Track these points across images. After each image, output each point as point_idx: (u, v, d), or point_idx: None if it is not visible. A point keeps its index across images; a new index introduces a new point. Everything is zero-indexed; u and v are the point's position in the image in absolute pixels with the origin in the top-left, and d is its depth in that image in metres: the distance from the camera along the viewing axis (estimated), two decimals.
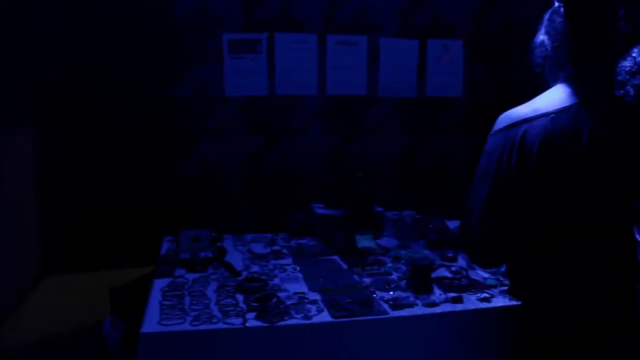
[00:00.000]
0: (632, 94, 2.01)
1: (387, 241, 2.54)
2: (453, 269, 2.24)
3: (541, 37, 1.59)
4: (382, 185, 3.13)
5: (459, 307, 1.93)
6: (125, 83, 3.08)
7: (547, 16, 1.60)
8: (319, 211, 2.62)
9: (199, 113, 3.10)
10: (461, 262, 2.33)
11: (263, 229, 2.81)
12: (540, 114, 1.49)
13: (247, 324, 1.77)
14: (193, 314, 1.82)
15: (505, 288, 2.05)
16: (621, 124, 1.52)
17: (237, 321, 1.78)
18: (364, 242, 2.45)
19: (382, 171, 3.16)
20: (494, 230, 1.58)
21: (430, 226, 2.54)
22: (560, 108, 1.49)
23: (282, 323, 1.78)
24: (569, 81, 1.53)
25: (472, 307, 1.94)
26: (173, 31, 3.03)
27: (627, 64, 2.02)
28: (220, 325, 1.76)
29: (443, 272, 2.22)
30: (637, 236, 1.58)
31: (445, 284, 2.09)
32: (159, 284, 2.11)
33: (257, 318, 1.80)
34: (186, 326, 1.75)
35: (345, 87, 3.24)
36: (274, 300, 1.89)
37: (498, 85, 3.32)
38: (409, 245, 2.50)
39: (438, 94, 3.34)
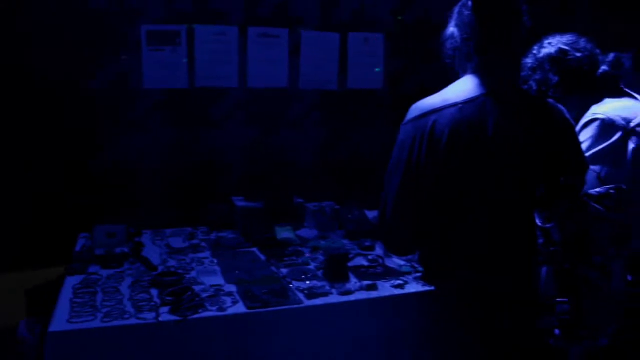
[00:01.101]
0: (534, 88, 2.12)
1: (307, 232, 2.57)
2: (370, 257, 2.29)
3: (451, 29, 1.64)
4: (304, 177, 3.15)
5: (373, 294, 1.98)
6: (37, 74, 2.95)
7: (456, 9, 1.65)
8: (239, 204, 2.62)
9: (116, 106, 3.01)
10: (378, 250, 2.38)
11: (184, 223, 2.77)
12: (449, 104, 1.53)
13: (160, 319, 1.75)
14: (105, 310, 1.78)
15: (419, 275, 2.12)
16: (524, 115, 1.59)
17: (150, 316, 1.76)
18: (284, 233, 2.47)
19: (303, 163, 3.18)
20: (406, 218, 1.63)
21: (349, 216, 2.58)
22: (468, 98, 1.54)
23: (196, 316, 1.77)
24: (477, 72, 1.59)
25: (387, 294, 1.99)
26: (89, 22, 2.93)
27: (528, 60, 2.12)
28: (133, 321, 1.73)
29: (360, 261, 2.27)
30: (538, 221, 1.67)
31: (362, 273, 2.14)
32: (72, 281, 2.05)
33: (171, 312, 1.78)
34: (97, 323, 1.71)
35: (266, 79, 3.23)
36: (188, 294, 1.87)
37: (417, 78, 3.41)
38: (328, 236, 2.54)
39: (359, 87, 3.39)
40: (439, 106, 1.55)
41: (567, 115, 1.64)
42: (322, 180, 3.19)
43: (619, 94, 2.02)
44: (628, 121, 1.88)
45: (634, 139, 1.87)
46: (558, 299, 1.56)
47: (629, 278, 1.89)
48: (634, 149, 1.86)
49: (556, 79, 2.03)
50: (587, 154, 1.88)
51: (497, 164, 1.54)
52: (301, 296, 1.92)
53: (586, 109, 2.01)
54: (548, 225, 1.57)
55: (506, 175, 1.56)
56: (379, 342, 1.97)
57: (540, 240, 1.59)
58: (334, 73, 3.38)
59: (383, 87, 3.39)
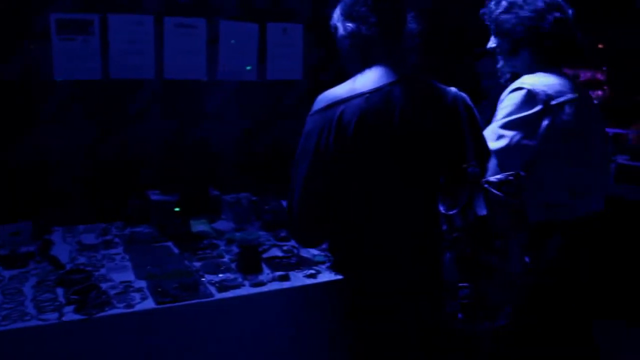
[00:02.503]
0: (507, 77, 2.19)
1: (223, 224, 2.56)
2: (285, 248, 2.30)
3: (348, 25, 1.66)
4: (223, 169, 3.12)
5: (285, 284, 1.99)
6: None
7: (347, 5, 1.68)
8: (153, 197, 2.57)
9: (26, 98, 2.88)
10: (294, 241, 2.40)
11: (99, 219, 2.70)
12: (356, 94, 1.57)
13: (64, 318, 1.70)
14: (3, 313, 1.71)
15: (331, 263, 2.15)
16: (428, 103, 1.64)
17: (53, 316, 1.70)
18: (199, 226, 2.44)
19: (222, 155, 3.15)
20: (313, 209, 1.65)
21: (266, 207, 2.58)
22: (374, 88, 1.58)
23: (102, 314, 1.73)
24: (382, 62, 1.63)
25: (299, 283, 2.01)
26: None
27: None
28: (34, 323, 1.67)
29: (275, 252, 2.28)
30: (442, 209, 1.70)
31: (275, 263, 2.15)
32: None
33: (75, 311, 1.73)
34: None
35: (184, 71, 3.17)
36: (94, 292, 1.83)
37: (336, 69, 3.43)
38: (245, 228, 2.53)
39: (278, 78, 3.38)
40: (345, 96, 1.58)
41: (470, 103, 1.70)
42: (242, 172, 3.17)
43: (554, 66, 2.08)
44: (551, 98, 1.96)
45: (550, 116, 1.95)
46: (460, 284, 1.60)
47: (527, 260, 2.01)
48: (547, 125, 1.94)
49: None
50: (506, 119, 1.96)
51: (403, 153, 1.59)
52: (212, 289, 1.91)
53: (527, 71, 2.08)
54: (451, 212, 1.60)
55: (411, 164, 1.61)
56: (293, 332, 1.99)
57: (444, 227, 1.63)
58: (254, 64, 3.36)
59: (302, 78, 3.39)
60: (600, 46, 8.97)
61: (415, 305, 1.66)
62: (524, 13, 2.03)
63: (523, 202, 1.72)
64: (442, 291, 1.65)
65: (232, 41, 3.25)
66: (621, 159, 4.23)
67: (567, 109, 1.95)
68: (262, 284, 1.97)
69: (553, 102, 1.94)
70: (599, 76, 9.03)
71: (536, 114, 1.93)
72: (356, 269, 1.70)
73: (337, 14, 1.69)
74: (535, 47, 2.04)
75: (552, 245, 2.00)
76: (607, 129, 5.09)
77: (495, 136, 1.94)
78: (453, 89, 1.70)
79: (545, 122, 1.93)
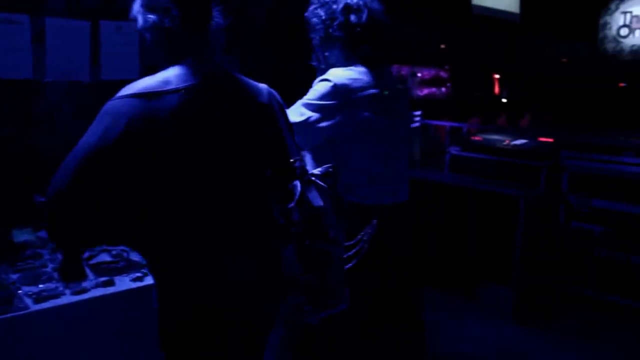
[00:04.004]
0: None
1: None
2: (114, 252, 2.24)
3: (150, 17, 1.52)
4: (52, 175, 2.95)
5: (110, 290, 1.94)
6: None
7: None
8: None
9: None
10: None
11: None
12: (170, 90, 1.43)
13: None
14: None
15: None
16: (241, 100, 1.60)
17: None
18: (22, 236, 2.30)
19: (52, 160, 2.98)
20: (86, 205, 1.39)
21: None
22: (185, 86, 1.46)
23: None
24: (189, 58, 1.53)
25: (124, 288, 1.97)
26: None
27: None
28: None
29: (103, 257, 2.21)
30: (276, 203, 1.73)
31: (102, 269, 2.09)
32: None
33: None
34: None
35: (6, 70, 2.96)
36: None
37: None
38: None
39: (114, 77, 3.27)
40: (158, 89, 1.43)
41: (279, 99, 1.71)
42: None
43: (364, 61, 2.16)
44: (352, 92, 2.06)
45: (349, 109, 2.06)
46: (303, 276, 1.62)
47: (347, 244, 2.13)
48: (346, 117, 2.06)
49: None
50: (309, 101, 2.06)
51: (220, 152, 1.53)
52: (29, 301, 1.82)
53: (339, 64, 2.17)
54: (289, 206, 1.61)
55: (231, 163, 1.55)
56: (122, 337, 1.95)
57: (282, 221, 1.63)
58: (86, 64, 3.22)
59: (140, 77, 3.31)
60: (442, 47, 9.68)
61: (244, 307, 1.60)
62: (327, 10, 2.14)
63: (339, 191, 1.81)
64: (282, 287, 1.65)
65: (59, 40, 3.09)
66: (454, 150, 4.59)
67: (368, 103, 2.08)
68: (85, 290, 1.90)
69: (353, 96, 2.06)
70: (443, 74, 9.76)
71: (337, 105, 2.04)
72: (180, 277, 1.54)
73: (137, 4, 1.55)
74: (344, 43, 2.14)
75: (368, 229, 2.12)
76: (446, 123, 5.52)
77: (298, 113, 2.06)
78: (264, 85, 1.68)
79: (344, 114, 2.05)
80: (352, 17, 2.12)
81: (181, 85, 1.45)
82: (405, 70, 8.18)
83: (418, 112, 4.94)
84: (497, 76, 10.27)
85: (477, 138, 4.73)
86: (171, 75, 1.48)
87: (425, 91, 8.57)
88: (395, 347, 2.30)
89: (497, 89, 10.24)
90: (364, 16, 2.12)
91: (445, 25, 8.81)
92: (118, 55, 3.33)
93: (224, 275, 1.54)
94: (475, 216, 4.05)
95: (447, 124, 5.18)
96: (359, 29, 2.12)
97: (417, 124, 4.92)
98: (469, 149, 4.56)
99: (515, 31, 10.41)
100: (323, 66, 2.23)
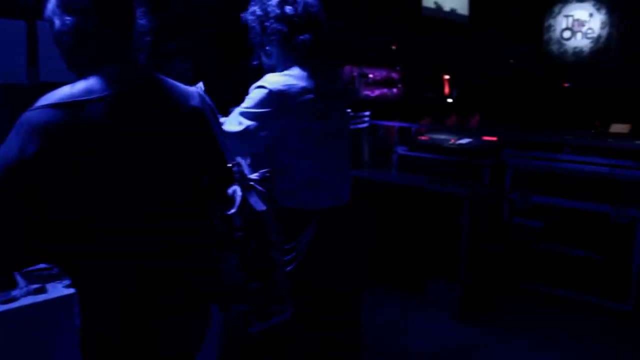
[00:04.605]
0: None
1: None
2: None
3: (70, 17, 1.41)
4: None
5: (41, 297, 1.89)
6: None
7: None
8: None
9: None
10: None
11: None
12: (94, 98, 1.35)
13: None
14: None
15: None
16: (170, 106, 1.52)
17: None
18: None
19: None
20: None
21: None
22: (108, 94, 1.38)
23: None
24: (112, 63, 1.45)
25: (57, 295, 1.92)
26: None
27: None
28: None
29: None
30: (218, 210, 1.66)
31: (34, 276, 2.03)
32: None
33: None
34: None
35: None
36: None
37: None
38: None
39: (54, 80, 3.18)
40: (80, 98, 1.34)
41: (210, 103, 1.65)
42: None
43: (304, 62, 2.16)
44: (288, 98, 2.05)
45: (286, 115, 2.05)
46: (249, 284, 1.58)
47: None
48: (282, 123, 2.06)
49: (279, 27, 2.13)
50: (246, 109, 2.06)
51: (148, 162, 1.45)
52: None
53: (278, 62, 2.18)
54: (229, 212, 1.56)
55: (156, 175, 1.47)
56: (58, 344, 1.90)
57: (223, 229, 1.57)
58: (23, 65, 3.13)
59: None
60: (393, 47, 9.79)
61: (171, 322, 1.54)
62: (262, 6, 2.14)
63: (274, 196, 1.81)
64: (220, 298, 1.61)
65: None
66: (401, 150, 4.65)
67: (305, 108, 2.08)
68: (14, 299, 1.85)
69: (290, 102, 2.06)
70: (394, 75, 9.86)
71: (274, 112, 2.04)
72: (100, 293, 1.47)
73: (52, 5, 1.43)
74: (282, 36, 2.14)
75: (307, 233, 2.13)
76: (394, 123, 5.59)
77: (236, 122, 2.05)
78: (194, 89, 1.63)
79: (282, 120, 2.06)
80: (288, 9, 2.12)
81: (105, 93, 1.37)
82: (353, 71, 8.23)
83: (366, 113, 4.98)
84: (447, 77, 10.46)
85: (424, 138, 4.80)
86: (93, 82, 1.38)
87: (377, 92, 8.64)
88: (333, 347, 2.32)
89: (447, 90, 10.43)
90: (300, 7, 2.13)
91: (396, 26, 8.92)
92: (58, 56, 3.25)
93: (150, 290, 1.48)
94: (422, 215, 4.12)
95: (396, 124, 5.25)
96: (296, 19, 2.12)
97: (365, 125, 4.96)
98: (416, 149, 4.63)
99: (465, 32, 10.62)
100: (266, 65, 2.23)
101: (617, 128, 4.27)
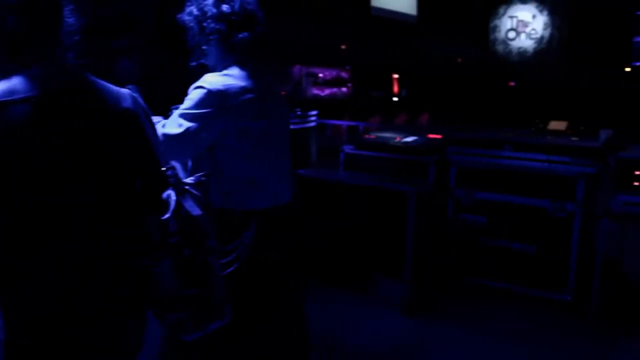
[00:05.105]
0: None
1: None
2: None
3: None
4: None
5: None
6: None
7: None
8: None
9: None
10: None
11: None
12: (13, 100, 1.31)
13: None
14: None
15: None
16: (101, 108, 1.47)
17: None
18: None
19: None
20: None
21: None
22: (33, 94, 1.35)
23: None
24: (38, 63, 1.41)
25: None
26: None
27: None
28: None
29: None
30: (152, 216, 1.61)
31: None
32: None
33: None
34: None
35: None
36: None
37: None
38: None
39: None
40: (2, 99, 1.30)
41: (143, 105, 1.59)
42: None
43: (241, 62, 2.15)
44: (228, 97, 2.04)
45: (226, 115, 2.04)
46: (185, 291, 1.54)
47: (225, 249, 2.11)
48: (222, 123, 2.04)
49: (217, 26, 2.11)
50: (185, 111, 2.03)
51: (68, 168, 1.39)
52: None
53: (217, 63, 2.16)
54: (163, 218, 1.52)
55: (82, 179, 1.42)
56: None
57: (156, 234, 1.52)
58: None
59: None
60: (343, 47, 9.87)
61: (98, 333, 1.49)
62: (198, 6, 2.12)
63: (211, 199, 1.77)
64: (153, 307, 1.56)
65: None
66: (348, 149, 4.68)
67: (245, 108, 2.07)
68: None
69: (229, 102, 2.04)
70: (344, 75, 9.94)
71: (213, 112, 2.02)
72: (20, 302, 1.41)
73: None
74: (220, 35, 2.12)
75: (247, 234, 2.12)
76: (341, 122, 5.63)
77: (176, 124, 2.03)
78: (126, 90, 1.57)
79: (220, 121, 2.04)
80: (225, 7, 2.11)
81: (30, 94, 1.32)
82: (302, 71, 8.26)
83: (314, 112, 5.00)
84: (396, 76, 10.60)
85: (370, 136, 4.85)
86: (16, 83, 1.33)
87: (327, 91, 8.68)
88: (278, 350, 2.31)
89: (396, 89, 10.57)
90: (236, 5, 2.12)
91: (346, 27, 8.98)
92: None
93: (76, 299, 1.42)
94: (369, 213, 4.15)
95: (343, 123, 5.29)
96: (233, 17, 2.11)
97: (313, 124, 4.98)
98: (363, 148, 4.67)
99: (414, 32, 10.79)
100: (210, 66, 2.21)
101: (555, 125, 4.40)
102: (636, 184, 3.60)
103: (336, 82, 8.98)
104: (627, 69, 9.44)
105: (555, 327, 3.73)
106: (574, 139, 4.11)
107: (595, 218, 3.82)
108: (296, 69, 8.21)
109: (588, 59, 10.51)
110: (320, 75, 8.64)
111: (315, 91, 8.38)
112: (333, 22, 8.59)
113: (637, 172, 3.62)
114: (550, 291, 3.97)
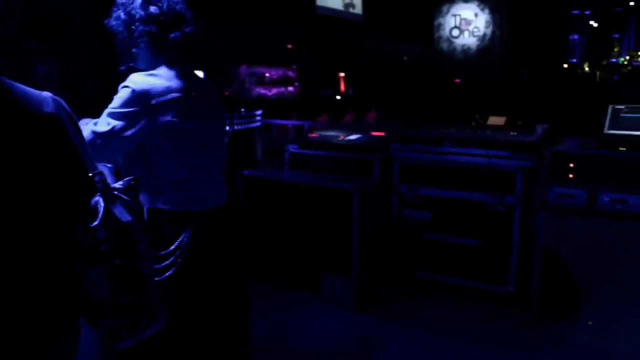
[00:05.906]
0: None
1: None
2: None
3: None
4: None
5: None
6: None
7: None
8: None
9: None
10: None
11: None
12: None
13: None
14: None
15: None
16: (21, 113, 1.41)
17: None
18: None
19: None
20: None
21: None
22: None
23: None
24: None
25: None
26: None
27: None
28: None
29: None
30: (81, 223, 1.55)
31: None
32: None
33: None
34: None
35: None
36: None
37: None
38: None
39: None
40: None
41: (67, 108, 1.53)
42: None
43: (171, 63, 2.13)
44: (152, 97, 2.01)
45: (150, 115, 2.01)
46: (117, 298, 1.50)
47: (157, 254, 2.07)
48: (147, 123, 2.01)
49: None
50: (112, 110, 2.01)
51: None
52: None
53: (147, 65, 2.12)
54: (92, 225, 1.46)
55: (3, 191, 1.36)
56: None
57: (85, 243, 1.47)
58: None
59: None
60: (289, 46, 9.85)
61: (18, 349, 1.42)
62: (125, 10, 2.09)
63: (140, 202, 1.73)
64: (90, 316, 1.51)
65: None
66: (292, 148, 4.67)
67: (171, 108, 2.04)
68: None
69: (154, 102, 2.01)
70: (290, 73, 9.92)
71: (139, 111, 2.00)
72: None
73: None
74: (150, 37, 2.09)
75: (183, 236, 2.08)
76: (287, 122, 5.62)
77: (104, 123, 2.01)
78: (48, 93, 1.50)
79: (145, 120, 2.01)
80: (152, 9, 2.08)
81: None
82: (244, 71, 8.21)
83: (258, 112, 4.95)
84: (342, 75, 10.66)
85: (314, 135, 4.84)
86: None
87: (274, 91, 8.66)
88: (218, 353, 2.28)
89: (343, 87, 10.63)
90: (164, 5, 2.09)
91: (292, 26, 8.97)
92: None
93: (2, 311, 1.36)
94: (315, 212, 4.15)
95: (288, 122, 5.27)
96: (162, 18, 2.08)
97: (257, 124, 4.93)
98: (306, 146, 4.66)
99: (360, 31, 10.87)
100: (140, 69, 2.16)
101: (494, 120, 4.49)
102: (571, 176, 3.71)
103: (283, 81, 8.96)
104: (564, 65, 9.78)
105: (498, 319, 3.81)
106: (512, 133, 4.20)
107: (534, 210, 3.93)
108: (242, 69, 8.13)
109: (527, 56, 10.83)
110: (267, 74, 8.60)
111: (262, 91, 8.34)
112: (279, 21, 8.57)
113: (571, 165, 3.73)
114: (494, 283, 4.06)
